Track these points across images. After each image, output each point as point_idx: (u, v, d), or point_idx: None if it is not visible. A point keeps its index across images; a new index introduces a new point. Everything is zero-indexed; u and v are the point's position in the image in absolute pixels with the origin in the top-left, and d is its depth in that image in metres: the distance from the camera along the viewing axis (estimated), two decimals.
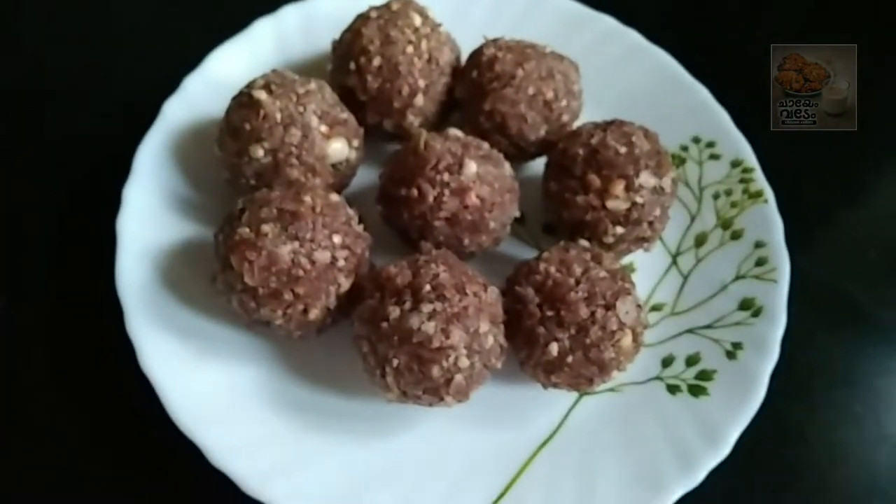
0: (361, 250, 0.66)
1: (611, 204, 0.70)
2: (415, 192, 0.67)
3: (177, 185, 0.76)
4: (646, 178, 0.70)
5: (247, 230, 0.62)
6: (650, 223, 0.71)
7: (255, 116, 0.68)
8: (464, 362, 0.59)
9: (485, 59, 0.76)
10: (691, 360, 0.73)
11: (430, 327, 0.58)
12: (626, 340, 0.64)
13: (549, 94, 0.75)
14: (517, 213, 0.73)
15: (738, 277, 0.77)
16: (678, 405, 0.70)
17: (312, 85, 0.71)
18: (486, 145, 0.71)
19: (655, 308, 0.77)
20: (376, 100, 0.75)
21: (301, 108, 0.68)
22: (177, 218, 0.75)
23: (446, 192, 0.67)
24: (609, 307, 0.63)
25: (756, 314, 0.74)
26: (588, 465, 0.66)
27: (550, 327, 0.63)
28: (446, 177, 0.67)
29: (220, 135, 0.71)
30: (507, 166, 0.72)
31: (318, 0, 0.89)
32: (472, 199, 0.67)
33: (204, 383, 0.66)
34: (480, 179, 0.68)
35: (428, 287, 0.60)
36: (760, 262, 0.77)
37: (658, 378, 0.72)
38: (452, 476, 0.65)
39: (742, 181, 0.81)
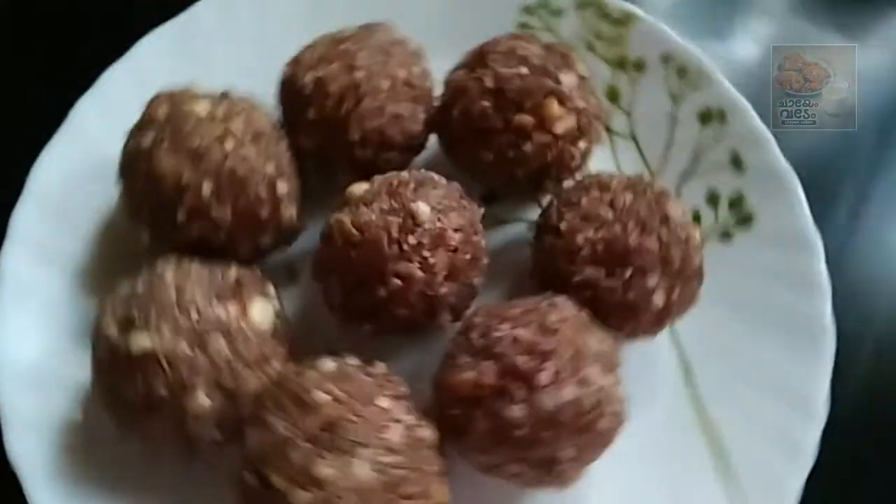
0: None
1: (560, 126, 0.58)
2: (394, 281, 0.51)
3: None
4: (568, 79, 0.58)
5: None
6: (596, 116, 0.61)
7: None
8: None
9: (311, 89, 0.58)
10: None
11: None
12: (695, 236, 0.55)
13: (401, 73, 0.60)
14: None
15: (675, 99, 0.70)
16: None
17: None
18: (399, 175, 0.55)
19: None
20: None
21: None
22: None
23: (426, 253, 0.51)
24: (663, 220, 0.53)
25: (721, 119, 0.68)
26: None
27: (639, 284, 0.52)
28: (410, 238, 0.51)
29: None
30: (434, 177, 0.57)
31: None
32: (452, 237, 0.52)
33: None
34: (438, 211, 0.52)
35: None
36: (681, 74, 0.70)
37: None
38: None
39: (602, 17, 0.73)
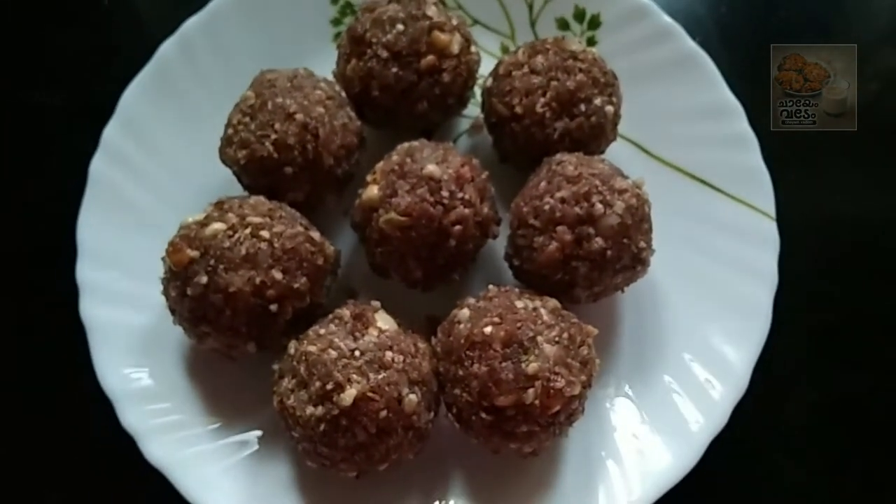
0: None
1: (454, 47, 0.69)
2: (455, 228, 0.62)
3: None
4: (431, 10, 0.69)
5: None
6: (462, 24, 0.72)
7: None
8: None
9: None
10: None
11: None
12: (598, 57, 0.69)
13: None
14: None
15: None
16: None
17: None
18: None
19: None
20: None
21: None
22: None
23: (459, 194, 0.62)
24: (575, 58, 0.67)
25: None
26: None
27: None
28: (442, 192, 0.62)
29: None
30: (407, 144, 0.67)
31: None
32: (465, 172, 0.63)
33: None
34: (440, 162, 0.63)
35: None
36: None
37: None
38: None
39: None
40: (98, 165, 0.71)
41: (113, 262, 0.69)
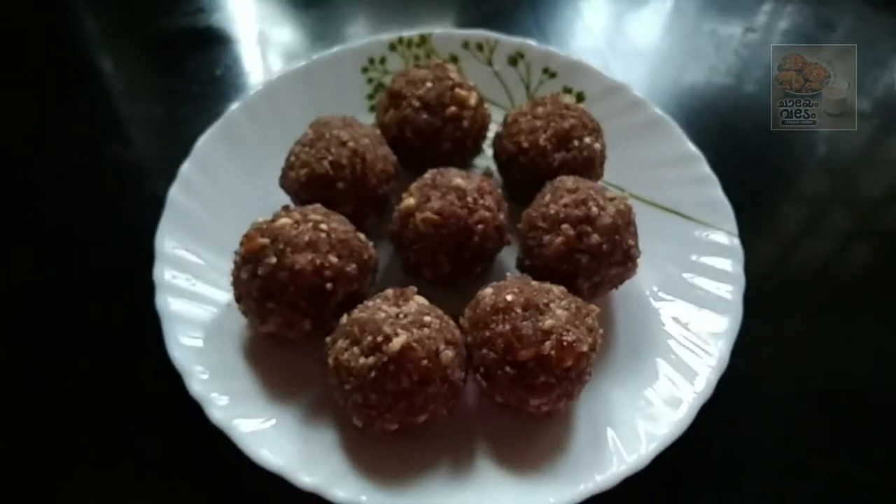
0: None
1: (472, 100, 0.87)
2: (478, 227, 0.76)
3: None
4: (454, 74, 0.87)
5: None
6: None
7: None
8: None
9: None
10: None
11: None
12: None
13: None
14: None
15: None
16: None
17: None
18: None
19: None
20: None
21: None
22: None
23: (481, 200, 0.77)
24: (567, 108, 0.85)
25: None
26: None
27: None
28: (468, 198, 0.76)
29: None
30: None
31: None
32: (485, 186, 0.78)
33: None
34: (465, 177, 0.78)
35: None
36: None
37: None
38: None
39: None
40: (174, 193, 0.85)
41: (183, 266, 0.80)
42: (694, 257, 0.85)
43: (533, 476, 0.69)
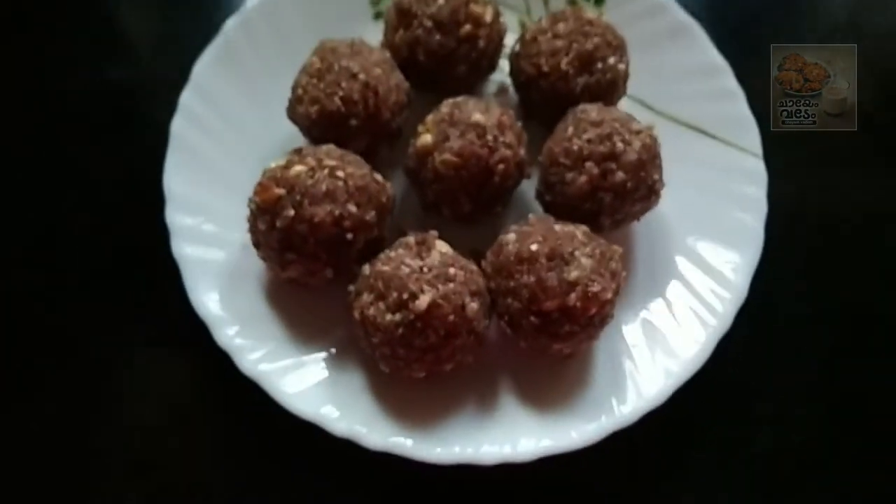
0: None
1: (488, 16, 0.80)
2: (499, 167, 0.73)
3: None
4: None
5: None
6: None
7: None
8: None
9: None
10: None
11: None
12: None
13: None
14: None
15: None
16: None
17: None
18: None
19: None
20: None
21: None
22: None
23: (501, 138, 0.74)
24: (589, 23, 0.79)
25: None
26: None
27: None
28: (487, 136, 0.73)
29: None
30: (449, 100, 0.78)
31: None
32: (505, 120, 0.75)
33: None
34: (483, 112, 0.74)
35: None
36: None
37: None
38: None
39: None
40: (178, 125, 0.81)
41: (196, 208, 0.78)
42: (716, 180, 0.83)
43: (556, 412, 0.72)
